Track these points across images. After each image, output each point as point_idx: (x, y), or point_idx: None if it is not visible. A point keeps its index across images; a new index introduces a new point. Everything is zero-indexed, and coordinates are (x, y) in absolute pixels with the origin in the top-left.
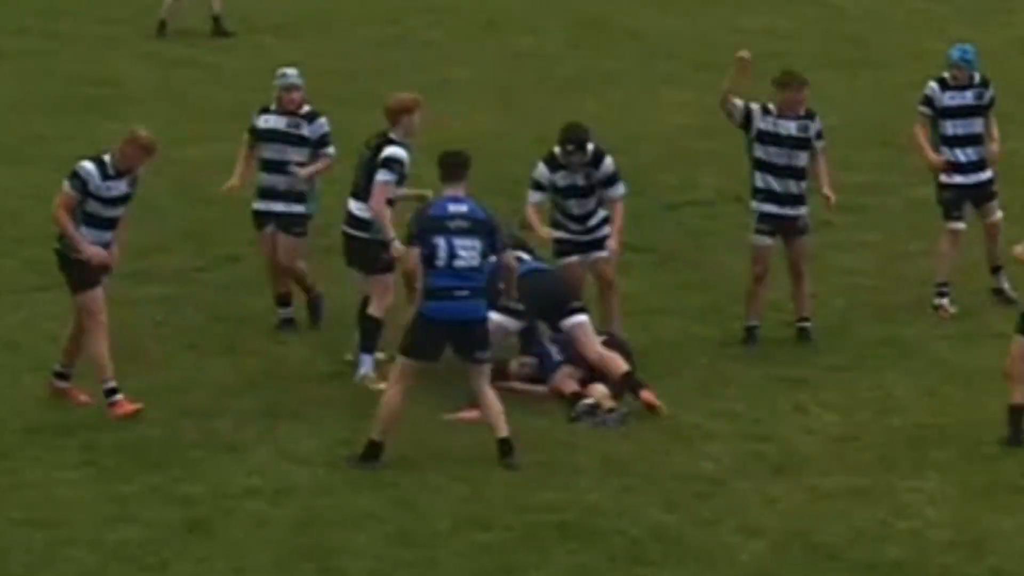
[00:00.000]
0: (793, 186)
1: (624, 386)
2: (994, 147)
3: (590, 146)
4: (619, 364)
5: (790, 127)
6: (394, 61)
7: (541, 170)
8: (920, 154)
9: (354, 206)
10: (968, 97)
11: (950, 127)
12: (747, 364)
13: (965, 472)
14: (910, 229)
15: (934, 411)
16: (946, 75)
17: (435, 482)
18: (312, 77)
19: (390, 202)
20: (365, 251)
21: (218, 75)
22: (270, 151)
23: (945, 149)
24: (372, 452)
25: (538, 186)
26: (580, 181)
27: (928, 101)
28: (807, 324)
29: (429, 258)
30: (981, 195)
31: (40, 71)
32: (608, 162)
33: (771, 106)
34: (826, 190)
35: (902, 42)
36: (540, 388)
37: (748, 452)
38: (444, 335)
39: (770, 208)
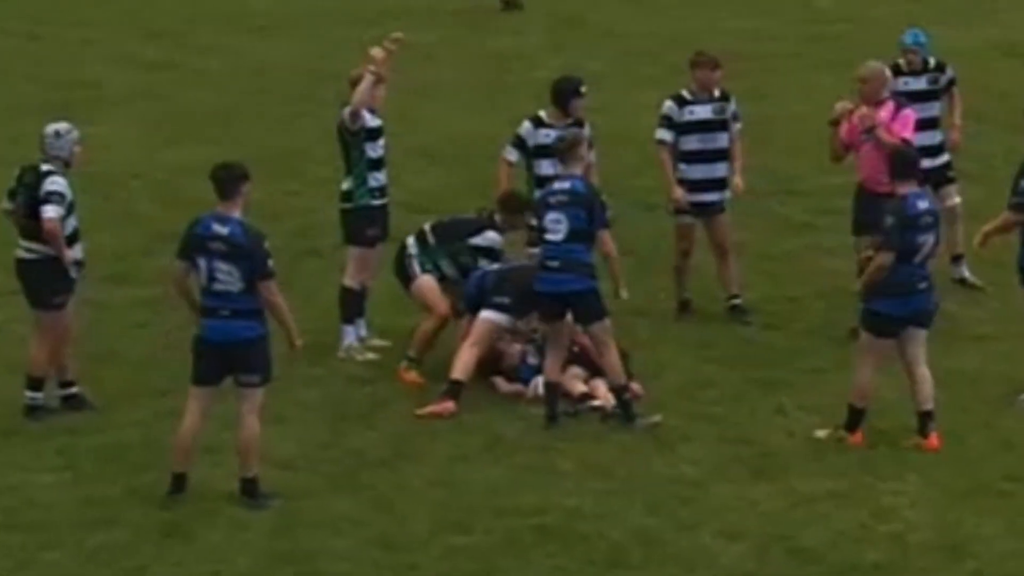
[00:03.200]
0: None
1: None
2: (955, 134)
3: None
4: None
5: (706, 110)
6: None
7: (526, 127)
8: None
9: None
10: (923, 82)
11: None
12: (727, 366)
13: (946, 475)
14: None
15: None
16: (900, 61)
17: (414, 485)
18: (295, 78)
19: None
20: (343, 222)
21: (198, 77)
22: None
23: None
24: (177, 485)
25: (520, 143)
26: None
27: None
28: (738, 301)
29: (196, 276)
30: (938, 179)
31: (20, 74)
32: (587, 125)
33: (685, 93)
34: (737, 178)
35: (885, 43)
36: (518, 387)
37: (728, 455)
38: (216, 356)
39: (692, 197)
